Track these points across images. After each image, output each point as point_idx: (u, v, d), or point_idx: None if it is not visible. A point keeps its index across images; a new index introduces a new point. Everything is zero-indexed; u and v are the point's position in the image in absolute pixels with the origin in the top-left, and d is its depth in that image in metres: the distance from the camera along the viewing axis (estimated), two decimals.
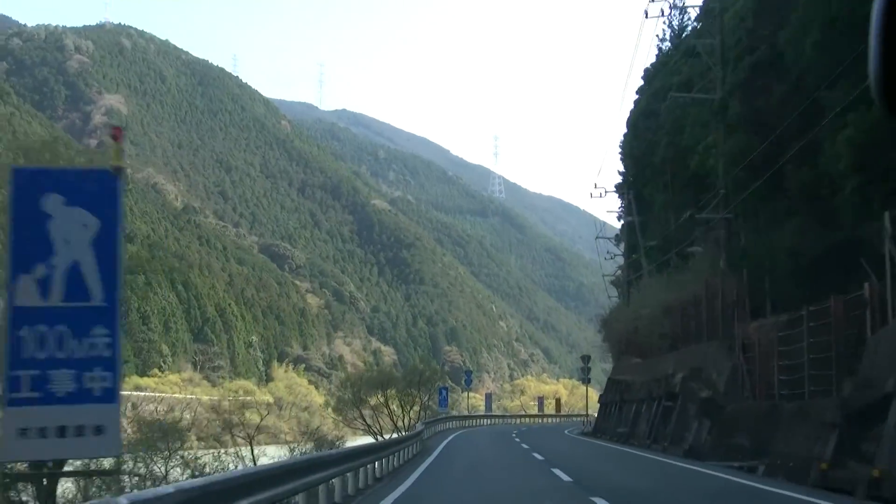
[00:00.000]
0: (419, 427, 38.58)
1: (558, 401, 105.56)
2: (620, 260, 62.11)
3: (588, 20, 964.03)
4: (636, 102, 51.44)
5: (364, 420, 65.00)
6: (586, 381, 75.14)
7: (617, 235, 63.40)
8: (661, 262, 41.42)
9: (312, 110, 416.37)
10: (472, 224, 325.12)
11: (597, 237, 63.91)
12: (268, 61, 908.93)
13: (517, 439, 42.15)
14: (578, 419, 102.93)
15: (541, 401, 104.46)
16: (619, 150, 56.65)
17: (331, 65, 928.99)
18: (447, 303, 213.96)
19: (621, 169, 56.49)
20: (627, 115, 53.73)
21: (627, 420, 39.89)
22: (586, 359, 73.60)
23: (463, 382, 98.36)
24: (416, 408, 64.68)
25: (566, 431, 59.37)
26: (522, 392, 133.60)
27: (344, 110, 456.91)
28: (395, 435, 54.24)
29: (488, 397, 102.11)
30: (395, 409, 65.27)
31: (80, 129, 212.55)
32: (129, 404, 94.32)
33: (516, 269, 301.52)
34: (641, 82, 53.25)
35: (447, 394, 67.44)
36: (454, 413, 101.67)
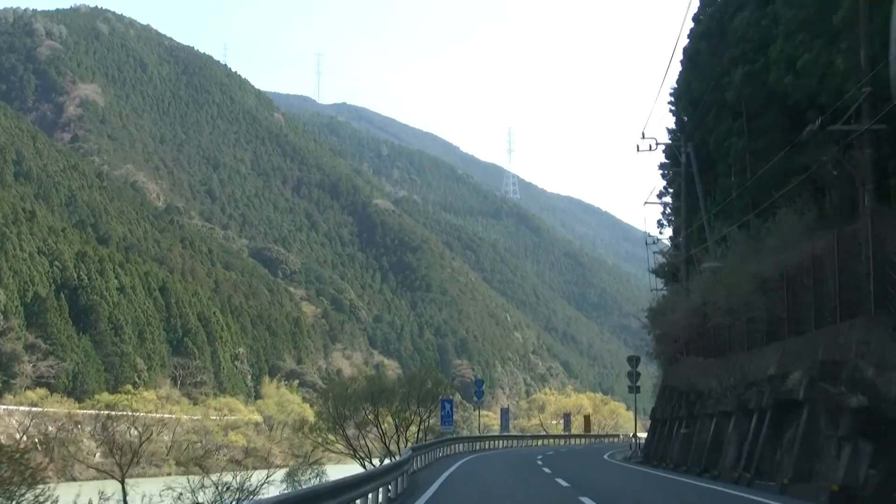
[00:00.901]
0: (405, 454, 30.13)
1: (587, 418, 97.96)
2: (660, 251, 56.66)
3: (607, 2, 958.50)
4: (693, 31, 44.33)
5: (348, 442, 59.64)
6: (635, 390, 60.73)
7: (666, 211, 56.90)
8: (741, 224, 34.40)
9: (309, 104, 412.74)
10: (483, 226, 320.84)
11: (645, 202, 57.61)
12: (261, 51, 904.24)
13: (546, 469, 34.92)
14: (615, 441, 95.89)
15: (567, 418, 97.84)
16: (671, 97, 50.08)
17: (329, 55, 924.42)
18: (457, 312, 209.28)
19: (671, 127, 50.28)
20: (680, 55, 46.69)
21: (702, 442, 32.32)
22: (634, 360, 60.55)
23: (474, 396, 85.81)
24: (416, 426, 59.20)
25: (606, 456, 52.69)
26: (542, 408, 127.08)
27: (344, 104, 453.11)
28: (387, 461, 48.27)
29: (504, 413, 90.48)
30: (389, 428, 60.01)
31: (52, 122, 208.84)
32: (98, 425, 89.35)
33: (532, 275, 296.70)
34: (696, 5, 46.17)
35: (452, 408, 60.36)
36: (464, 433, 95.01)
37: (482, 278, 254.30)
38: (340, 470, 39.97)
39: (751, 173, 33.92)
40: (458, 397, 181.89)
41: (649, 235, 58.87)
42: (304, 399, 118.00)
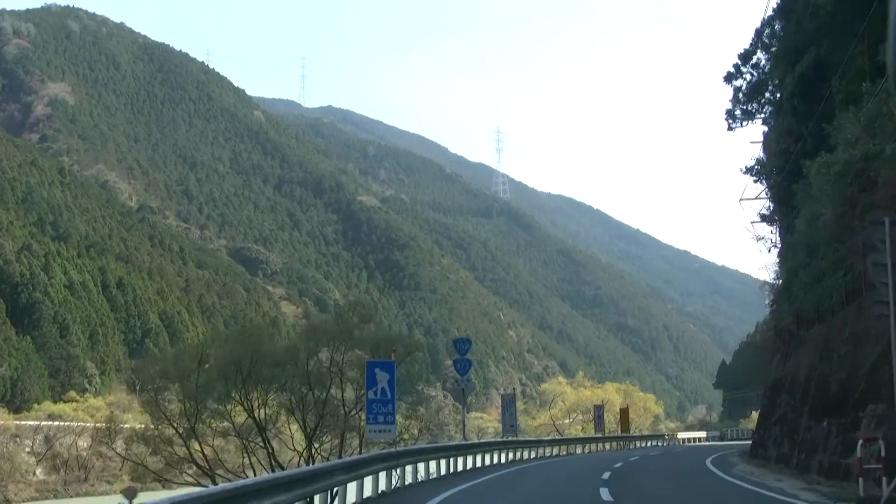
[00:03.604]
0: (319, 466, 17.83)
1: (625, 413, 75.43)
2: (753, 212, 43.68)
3: None
4: None
5: (190, 455, 35.96)
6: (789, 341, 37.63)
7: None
8: None
9: (294, 107, 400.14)
10: (474, 225, 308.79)
11: (728, 128, 42.43)
12: (244, 55, 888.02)
13: None
14: (670, 443, 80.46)
15: (599, 413, 69.27)
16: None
17: (314, 59, 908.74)
18: (448, 310, 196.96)
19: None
20: None
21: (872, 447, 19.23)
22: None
23: (457, 374, 43.22)
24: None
25: (730, 461, 36.93)
26: (553, 402, 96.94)
27: (329, 107, 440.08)
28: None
29: (509, 403, 51.82)
30: (291, 430, 38.68)
31: (20, 123, 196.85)
32: (41, 437, 76.29)
33: (525, 274, 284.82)
34: None
35: (468, 362, 39.28)
36: (442, 440, 65.78)
37: (474, 277, 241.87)
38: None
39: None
40: (449, 399, 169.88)
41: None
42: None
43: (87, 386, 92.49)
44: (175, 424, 35.83)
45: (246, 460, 37.80)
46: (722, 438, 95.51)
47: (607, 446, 64.11)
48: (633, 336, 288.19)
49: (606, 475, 27.40)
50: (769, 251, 45.69)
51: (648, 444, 73.36)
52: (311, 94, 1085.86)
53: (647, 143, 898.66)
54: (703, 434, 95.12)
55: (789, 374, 34.07)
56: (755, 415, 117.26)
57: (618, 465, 34.95)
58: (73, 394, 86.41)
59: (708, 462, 36.83)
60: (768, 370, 48.74)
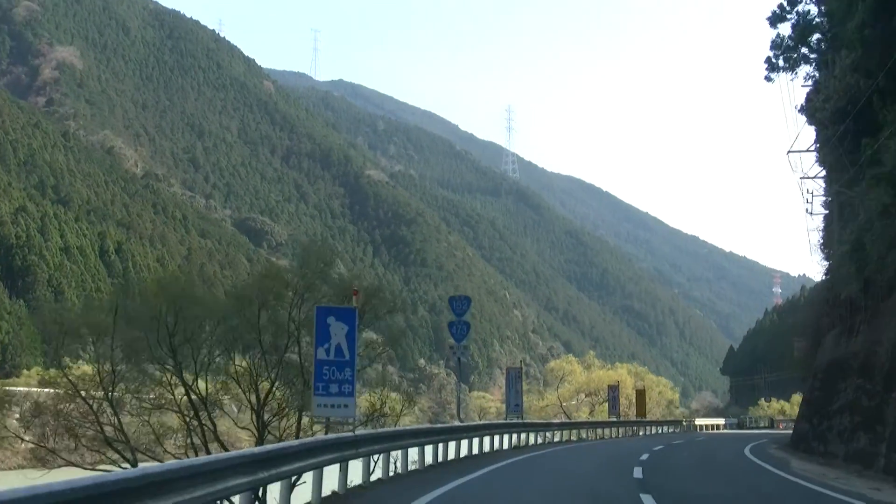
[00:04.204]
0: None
1: (641, 394, 67.58)
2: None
3: None
4: None
5: (101, 431, 28.56)
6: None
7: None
8: None
9: (305, 80, 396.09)
10: (482, 203, 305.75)
11: (767, 77, 38.13)
12: (257, 27, 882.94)
13: None
14: (700, 430, 76.96)
15: (614, 393, 61.43)
16: None
17: (327, 32, 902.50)
18: (453, 287, 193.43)
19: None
20: None
21: None
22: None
23: (452, 339, 32.25)
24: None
25: (775, 455, 32.73)
26: (560, 382, 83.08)
27: (340, 80, 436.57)
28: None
29: (514, 379, 42.23)
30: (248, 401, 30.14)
31: (27, 86, 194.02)
32: (29, 405, 73.90)
33: (532, 254, 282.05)
34: None
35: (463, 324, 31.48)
36: (445, 421, 62.62)
37: (480, 255, 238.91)
38: None
39: None
40: (452, 377, 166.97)
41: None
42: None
43: (81, 353, 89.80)
44: (84, 394, 28.98)
45: (197, 441, 29.31)
46: (741, 426, 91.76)
47: (618, 431, 57.80)
48: (639, 320, 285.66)
49: (638, 472, 21.78)
50: (822, 205, 41.43)
51: (663, 430, 68.70)
52: (323, 67, 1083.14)
53: (659, 125, 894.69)
54: (721, 421, 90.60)
55: (858, 352, 29.48)
56: (764, 402, 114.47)
57: (644, 456, 28.65)
58: (65, 359, 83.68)
59: (751, 455, 32.03)
60: (814, 349, 43.52)
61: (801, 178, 40.67)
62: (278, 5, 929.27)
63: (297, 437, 27.25)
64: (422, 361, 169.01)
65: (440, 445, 25.18)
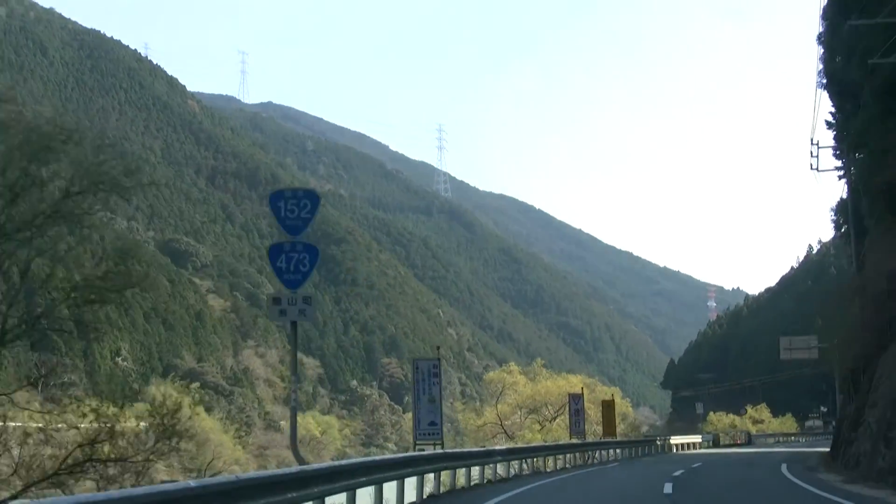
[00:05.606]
0: None
1: (609, 406, 52.92)
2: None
3: None
4: None
5: None
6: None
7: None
8: None
9: (234, 102, 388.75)
10: (414, 222, 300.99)
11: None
12: (183, 50, 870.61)
13: None
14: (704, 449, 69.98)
15: (577, 404, 47.47)
16: None
17: (254, 54, 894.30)
18: (385, 307, 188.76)
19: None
20: None
21: None
22: None
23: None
24: None
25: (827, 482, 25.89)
26: (500, 396, 68.45)
27: (270, 103, 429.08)
28: None
29: (426, 377, 26.99)
30: None
31: None
32: None
33: (466, 272, 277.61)
34: None
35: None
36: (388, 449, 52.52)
37: (413, 274, 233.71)
38: None
39: None
40: (385, 398, 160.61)
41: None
42: (200, 400, 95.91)
43: None
44: None
45: None
46: (715, 444, 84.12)
47: (577, 458, 41.23)
48: (575, 336, 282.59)
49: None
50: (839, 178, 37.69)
51: (633, 451, 54.16)
52: (252, 90, 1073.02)
53: (589, 143, 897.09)
54: (698, 439, 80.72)
55: None
56: (713, 416, 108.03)
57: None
58: None
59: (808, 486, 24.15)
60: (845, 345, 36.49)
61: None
62: (203, 27, 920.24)
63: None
64: (354, 382, 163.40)
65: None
